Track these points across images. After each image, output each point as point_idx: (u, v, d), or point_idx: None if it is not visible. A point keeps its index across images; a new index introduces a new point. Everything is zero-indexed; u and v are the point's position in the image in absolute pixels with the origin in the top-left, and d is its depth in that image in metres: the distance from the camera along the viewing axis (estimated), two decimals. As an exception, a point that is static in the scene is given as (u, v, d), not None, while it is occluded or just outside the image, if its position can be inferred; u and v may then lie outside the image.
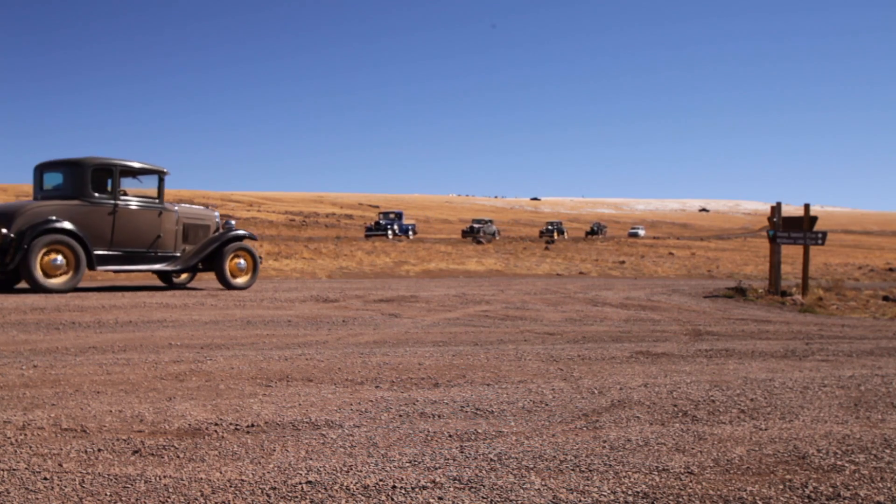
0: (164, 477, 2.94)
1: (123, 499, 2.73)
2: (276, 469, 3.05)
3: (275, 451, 3.29)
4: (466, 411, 4.05)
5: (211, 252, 10.94)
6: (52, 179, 10.31)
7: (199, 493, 2.77)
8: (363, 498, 2.76)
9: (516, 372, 5.23)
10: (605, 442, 3.50)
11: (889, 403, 4.44)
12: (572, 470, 3.09)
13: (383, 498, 2.76)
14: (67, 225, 9.51)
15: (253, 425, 3.68)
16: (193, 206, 11.62)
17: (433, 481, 2.94)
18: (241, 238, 11.38)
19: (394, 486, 2.87)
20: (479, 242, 37.25)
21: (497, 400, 4.32)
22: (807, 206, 13.89)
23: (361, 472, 3.03)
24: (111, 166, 10.10)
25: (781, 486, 2.95)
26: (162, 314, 8.34)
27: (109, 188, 10.09)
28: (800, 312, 10.88)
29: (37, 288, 9.60)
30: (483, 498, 2.77)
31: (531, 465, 3.14)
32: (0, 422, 3.69)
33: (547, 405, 4.21)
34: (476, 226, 49.40)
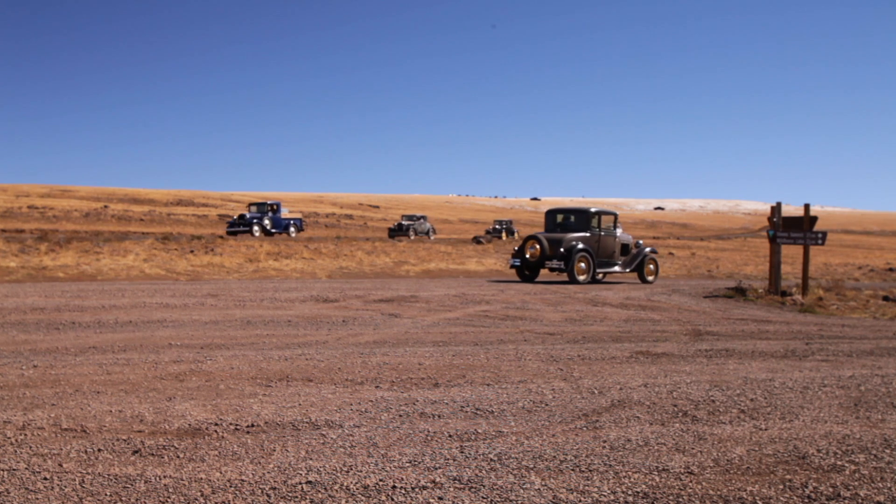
0: (164, 477, 2.94)
1: (123, 499, 2.73)
2: (276, 469, 3.05)
3: (275, 451, 3.29)
4: (466, 411, 4.05)
5: (638, 261, 17.38)
6: (562, 219, 17.34)
7: (199, 493, 2.77)
8: (363, 498, 2.76)
9: (516, 372, 5.23)
10: (605, 442, 3.50)
11: (889, 403, 4.44)
12: (572, 470, 3.09)
13: (383, 498, 2.76)
14: (586, 246, 16.27)
15: (253, 425, 3.68)
16: (624, 233, 17.68)
17: (433, 481, 2.94)
18: (650, 252, 17.84)
19: (394, 486, 2.87)
20: (479, 242, 36.80)
21: (497, 400, 4.32)
22: (807, 206, 13.89)
23: (361, 472, 3.03)
24: (599, 212, 17.02)
25: (781, 486, 2.95)
26: (162, 314, 8.34)
27: (596, 224, 16.74)
28: (800, 312, 10.89)
29: (573, 281, 15.93)
30: (483, 498, 2.78)
31: (531, 465, 3.14)
32: (0, 422, 3.69)
33: (547, 405, 4.21)
34: (405, 223, 43.46)
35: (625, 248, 17.37)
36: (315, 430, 3.62)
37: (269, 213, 33.78)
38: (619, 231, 17.43)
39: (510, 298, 11.52)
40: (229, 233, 32.30)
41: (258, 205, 34.77)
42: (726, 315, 9.93)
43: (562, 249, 16.03)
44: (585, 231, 16.56)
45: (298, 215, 38.66)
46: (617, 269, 17.06)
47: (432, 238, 41.76)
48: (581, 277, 16.05)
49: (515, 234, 50.01)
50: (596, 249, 16.54)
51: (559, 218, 17.45)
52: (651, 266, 17.70)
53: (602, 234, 16.77)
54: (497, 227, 49.97)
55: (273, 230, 33.40)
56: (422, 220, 44.79)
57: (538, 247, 16.23)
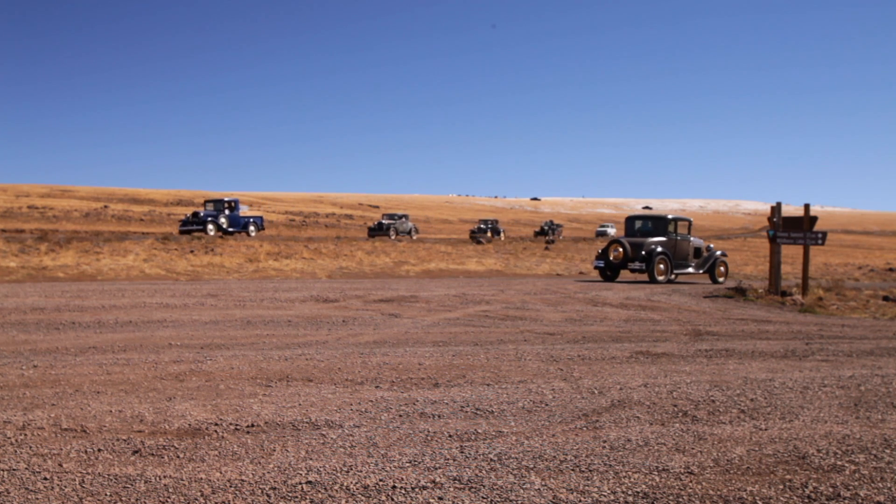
0: (164, 477, 2.94)
1: (123, 499, 2.73)
2: (276, 469, 3.05)
3: (275, 451, 3.29)
4: (466, 411, 4.05)
5: (710, 263, 18.87)
6: (640, 225, 19.00)
7: (199, 493, 2.77)
8: (363, 498, 2.76)
9: (516, 372, 5.23)
10: (605, 442, 3.50)
11: (889, 403, 4.44)
12: (572, 470, 3.09)
13: (383, 498, 2.76)
14: (664, 250, 17.80)
15: (253, 425, 3.68)
16: (696, 238, 19.29)
17: (433, 481, 2.94)
18: (721, 255, 19.36)
19: (394, 486, 2.87)
20: (479, 242, 36.63)
21: (497, 400, 4.32)
22: (807, 206, 13.89)
23: (361, 472, 3.03)
24: (675, 218, 18.61)
25: (781, 486, 2.95)
26: (162, 314, 8.34)
27: (672, 229, 18.35)
28: (800, 312, 10.88)
29: (653, 280, 17.42)
30: (483, 498, 2.78)
31: (531, 465, 3.14)
32: (0, 422, 3.69)
33: (547, 405, 4.21)
34: (386, 222, 41.91)
35: (697, 251, 18.87)
36: (315, 430, 3.62)
37: (226, 211, 31.02)
38: (691, 236, 19.13)
39: (510, 298, 11.52)
40: (182, 231, 29.49)
41: (214, 202, 32.00)
42: (726, 315, 9.93)
43: (643, 252, 17.60)
44: (663, 236, 18.12)
45: (259, 213, 35.52)
46: (691, 270, 18.63)
47: (414, 237, 40.34)
48: (660, 278, 17.63)
49: (501, 234, 49.67)
50: (673, 252, 18.07)
51: (638, 224, 19.16)
52: (722, 268, 19.16)
53: (678, 238, 18.31)
54: (482, 226, 49.76)
55: (230, 229, 30.70)
56: (403, 220, 43.84)
57: (621, 250, 17.89)
